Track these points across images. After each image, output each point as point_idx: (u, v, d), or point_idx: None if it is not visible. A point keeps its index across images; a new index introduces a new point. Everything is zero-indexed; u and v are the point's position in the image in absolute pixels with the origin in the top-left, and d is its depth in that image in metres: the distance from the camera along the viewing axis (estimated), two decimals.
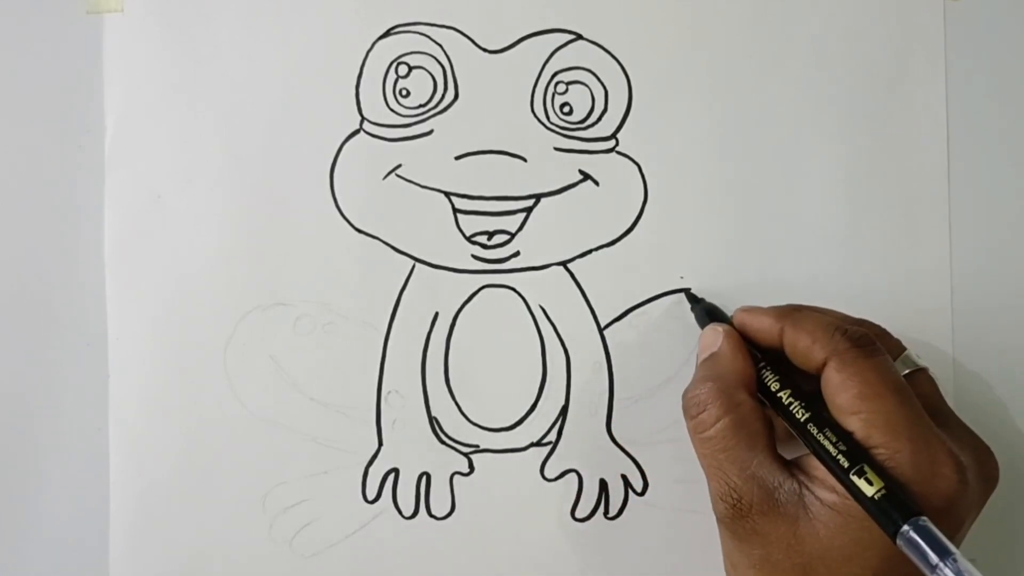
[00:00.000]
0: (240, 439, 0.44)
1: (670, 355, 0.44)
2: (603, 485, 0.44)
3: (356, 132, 0.44)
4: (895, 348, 0.40)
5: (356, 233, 0.44)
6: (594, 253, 0.44)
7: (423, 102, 0.44)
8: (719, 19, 0.45)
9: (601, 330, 0.44)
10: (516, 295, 0.44)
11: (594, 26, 0.44)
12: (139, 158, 0.44)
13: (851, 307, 0.44)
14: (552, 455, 0.44)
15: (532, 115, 0.44)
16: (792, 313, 0.39)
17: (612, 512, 0.44)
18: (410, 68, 0.44)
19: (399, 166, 0.44)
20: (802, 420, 0.36)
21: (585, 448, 0.44)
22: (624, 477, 0.44)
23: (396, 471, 0.44)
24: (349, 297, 0.44)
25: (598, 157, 0.44)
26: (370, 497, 0.44)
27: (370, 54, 0.44)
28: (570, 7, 0.44)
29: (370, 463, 0.44)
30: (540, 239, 0.44)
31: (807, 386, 0.38)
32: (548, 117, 0.44)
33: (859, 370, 0.36)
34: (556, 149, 0.44)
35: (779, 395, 0.38)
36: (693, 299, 0.43)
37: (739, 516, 0.36)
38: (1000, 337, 0.45)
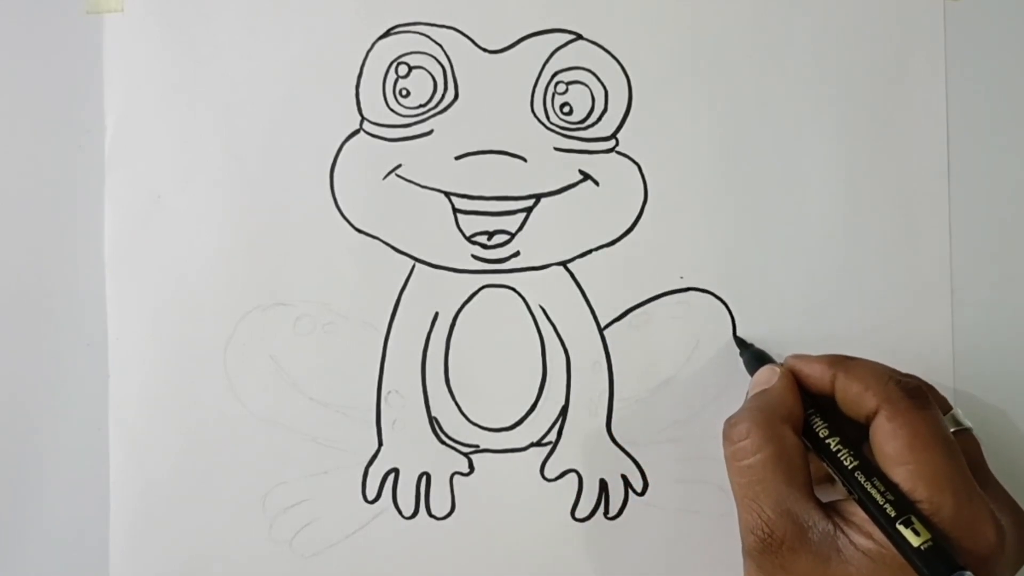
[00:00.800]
0: (240, 439, 0.44)
1: (670, 355, 0.44)
2: (603, 485, 0.44)
3: (356, 132, 0.44)
4: (943, 405, 0.40)
5: (356, 233, 0.44)
6: (594, 253, 0.44)
7: (423, 102, 0.44)
8: (719, 19, 0.45)
9: (601, 330, 0.44)
10: (516, 295, 0.44)
11: (594, 26, 0.44)
12: (139, 158, 0.44)
13: (851, 307, 0.44)
14: (552, 455, 0.44)
15: (532, 115, 0.44)
16: (845, 361, 0.39)
17: (612, 512, 0.44)
18: (410, 68, 0.44)
19: (399, 166, 0.44)
20: (850, 467, 0.36)
21: (585, 448, 0.44)
22: (624, 477, 0.44)
23: (396, 471, 0.44)
24: (349, 297, 0.44)
25: (598, 157, 0.44)
26: (370, 497, 0.44)
27: (370, 54, 0.44)
28: (570, 7, 0.44)
29: (370, 463, 0.44)
30: (540, 239, 0.44)
31: (852, 435, 0.38)
32: (548, 117, 0.44)
33: (910, 421, 0.35)
34: (556, 149, 0.44)
35: (827, 441, 0.37)
36: (742, 344, 0.43)
37: (768, 550, 0.36)
38: (1000, 337, 0.45)
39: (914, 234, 0.45)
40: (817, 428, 0.38)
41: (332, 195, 0.44)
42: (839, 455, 0.37)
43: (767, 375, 0.40)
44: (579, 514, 0.44)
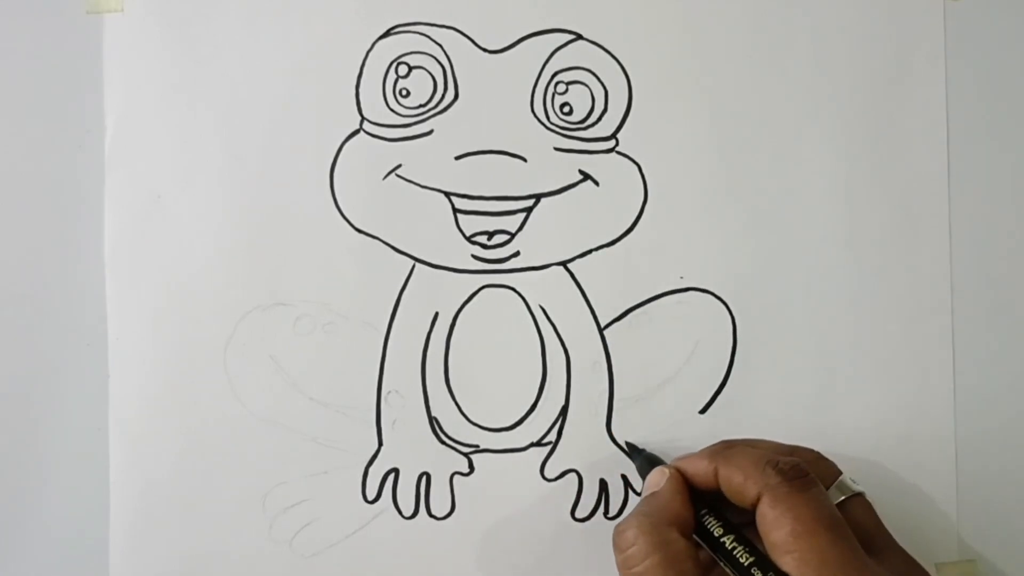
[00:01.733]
0: (240, 439, 0.44)
1: (670, 355, 0.44)
2: (603, 485, 0.44)
3: (356, 132, 0.44)
4: (830, 473, 0.40)
5: (356, 233, 0.44)
6: (594, 253, 0.44)
7: (423, 102, 0.44)
8: (719, 19, 0.45)
9: (601, 330, 0.44)
10: (516, 295, 0.44)
11: (594, 26, 0.44)
12: (139, 158, 0.44)
13: (851, 306, 0.44)
14: (552, 455, 0.44)
15: (532, 115, 0.44)
16: (724, 451, 0.39)
17: (612, 512, 0.44)
18: (410, 68, 0.44)
19: (399, 166, 0.44)
20: (746, 564, 0.36)
21: (585, 448, 0.44)
22: (624, 477, 0.44)
23: (396, 471, 0.44)
24: (349, 297, 0.44)
25: (598, 157, 0.44)
26: (370, 497, 0.44)
27: (370, 54, 0.44)
28: (570, 7, 0.44)
29: (370, 463, 0.44)
30: (540, 239, 0.44)
31: (745, 523, 0.37)
32: (548, 117, 0.44)
33: (792, 506, 0.35)
34: (556, 149, 0.44)
35: (722, 540, 0.37)
36: (633, 449, 0.43)
37: None
38: (1000, 337, 0.45)
39: (914, 234, 0.45)
40: (711, 527, 0.38)
41: (332, 195, 0.44)
42: (734, 552, 0.37)
43: (656, 478, 0.40)
44: (579, 514, 0.44)
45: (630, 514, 0.39)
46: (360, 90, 0.44)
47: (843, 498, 0.39)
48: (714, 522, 0.38)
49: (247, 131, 0.44)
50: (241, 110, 0.44)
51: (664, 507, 0.38)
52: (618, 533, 0.38)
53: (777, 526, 0.35)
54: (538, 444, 0.44)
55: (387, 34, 0.44)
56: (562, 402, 0.44)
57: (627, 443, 0.44)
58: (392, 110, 0.44)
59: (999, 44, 0.45)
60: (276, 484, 0.44)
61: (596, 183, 0.44)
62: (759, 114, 0.45)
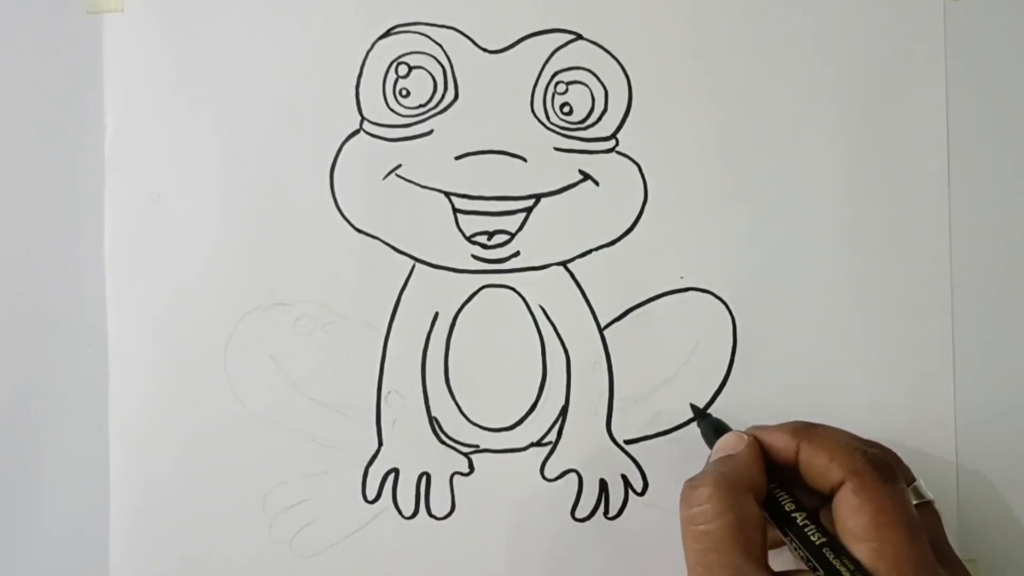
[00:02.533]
0: (240, 439, 0.44)
1: (670, 355, 0.44)
2: (603, 485, 0.44)
3: (356, 132, 0.44)
4: (907, 476, 0.39)
5: (356, 233, 0.44)
6: (594, 253, 0.44)
7: (423, 102, 0.44)
8: (719, 19, 0.45)
9: (601, 330, 0.44)
10: (516, 295, 0.44)
11: (594, 26, 0.44)
12: (139, 158, 0.44)
13: (851, 307, 0.44)
14: (552, 455, 0.44)
15: (532, 115, 0.44)
16: (809, 429, 0.38)
17: (612, 512, 0.44)
18: (410, 68, 0.44)
19: (399, 166, 0.44)
20: (818, 543, 0.35)
21: (585, 448, 0.44)
22: (624, 477, 0.44)
23: (396, 471, 0.44)
24: (349, 297, 0.44)
25: (598, 157, 0.44)
26: (370, 497, 0.44)
27: (370, 54, 0.44)
28: (570, 7, 0.44)
29: (370, 463, 0.44)
30: (540, 239, 0.44)
31: (811, 506, 0.37)
32: (548, 117, 0.44)
33: (876, 496, 0.35)
34: (556, 149, 0.44)
35: (794, 515, 0.36)
36: (699, 413, 0.43)
37: None
38: (1001, 337, 0.45)
39: (914, 234, 0.45)
40: (783, 501, 0.37)
41: (332, 195, 0.44)
42: (806, 530, 0.36)
43: (733, 441, 0.39)
44: (579, 514, 0.44)
45: (705, 471, 0.38)
46: (360, 90, 0.44)
47: (916, 503, 0.38)
48: (786, 497, 0.37)
49: (247, 131, 0.44)
50: (241, 110, 0.44)
51: (742, 471, 0.37)
52: (691, 487, 0.37)
53: (859, 513, 0.35)
54: (538, 444, 0.44)
55: (387, 34, 0.44)
56: (562, 402, 0.44)
57: (692, 405, 0.43)
58: (392, 110, 0.44)
59: (999, 44, 0.45)
60: (276, 484, 0.44)
61: (596, 183, 0.44)
62: (759, 114, 0.45)
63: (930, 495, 0.39)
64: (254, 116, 0.44)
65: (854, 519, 0.35)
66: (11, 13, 0.45)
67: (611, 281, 0.44)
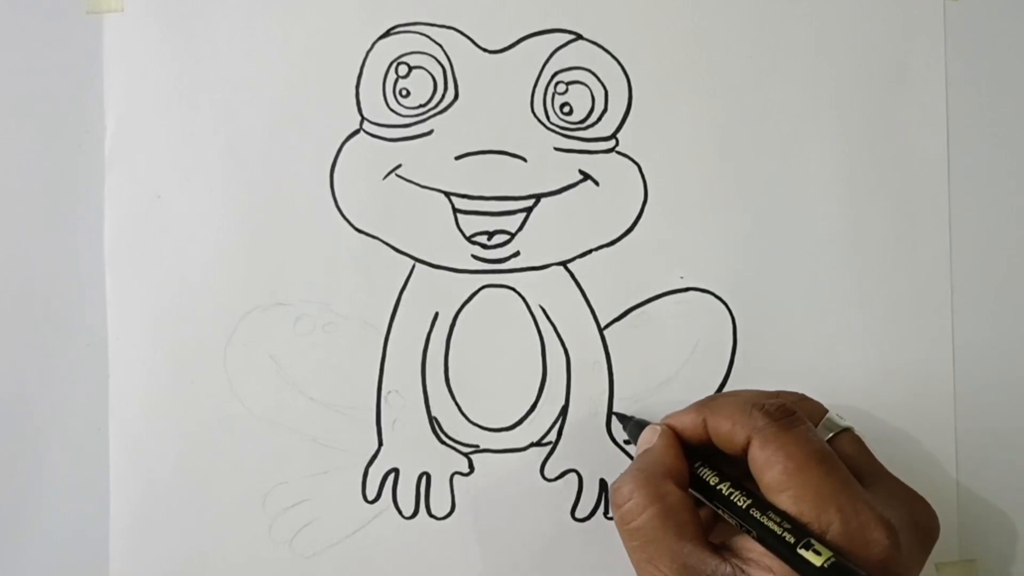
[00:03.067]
0: (240, 439, 0.44)
1: (670, 355, 0.44)
2: (603, 485, 0.44)
3: (356, 132, 0.44)
4: (816, 412, 0.40)
5: (356, 233, 0.44)
6: (594, 253, 0.44)
7: (423, 102, 0.44)
8: (719, 19, 0.45)
9: (601, 330, 0.44)
10: (516, 295, 0.44)
11: (594, 26, 0.44)
12: (139, 158, 0.44)
13: (851, 306, 0.44)
14: (552, 455, 0.44)
15: (532, 115, 0.44)
16: (709, 402, 0.39)
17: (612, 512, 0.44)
18: (410, 68, 0.44)
19: (399, 166, 0.44)
20: (744, 507, 0.36)
21: (585, 448, 0.44)
22: None
23: (396, 471, 0.44)
24: (349, 297, 0.44)
25: (598, 157, 0.44)
26: (370, 497, 0.44)
27: (370, 54, 0.44)
28: (570, 7, 0.44)
29: (370, 463, 0.44)
30: (540, 239, 0.44)
31: (739, 474, 0.37)
32: (548, 117, 0.44)
33: (781, 444, 0.35)
34: (556, 149, 0.44)
35: (719, 487, 0.37)
36: (623, 418, 0.43)
37: None
38: (1000, 336, 0.45)
39: (914, 234, 0.45)
40: (706, 477, 0.38)
41: (332, 195, 0.44)
42: (731, 497, 0.37)
43: (648, 436, 0.40)
44: (579, 514, 0.44)
45: (625, 471, 0.39)
46: (360, 90, 0.44)
47: (831, 435, 0.39)
48: (708, 472, 0.38)
49: (247, 131, 0.44)
50: (241, 110, 0.44)
51: (658, 460, 0.38)
52: (614, 490, 0.38)
53: (769, 466, 0.35)
54: (538, 444, 0.44)
55: (387, 34, 0.44)
56: (562, 402, 0.44)
57: (616, 412, 0.44)
58: (392, 110, 0.44)
59: (999, 44, 0.45)
60: (276, 484, 0.44)
61: (596, 183, 0.44)
62: (759, 114, 0.45)
63: (844, 423, 0.39)
64: (254, 116, 0.44)
65: (767, 473, 0.36)
66: (11, 13, 0.45)
67: (611, 281, 0.44)
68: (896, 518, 0.35)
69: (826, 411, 0.40)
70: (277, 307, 0.44)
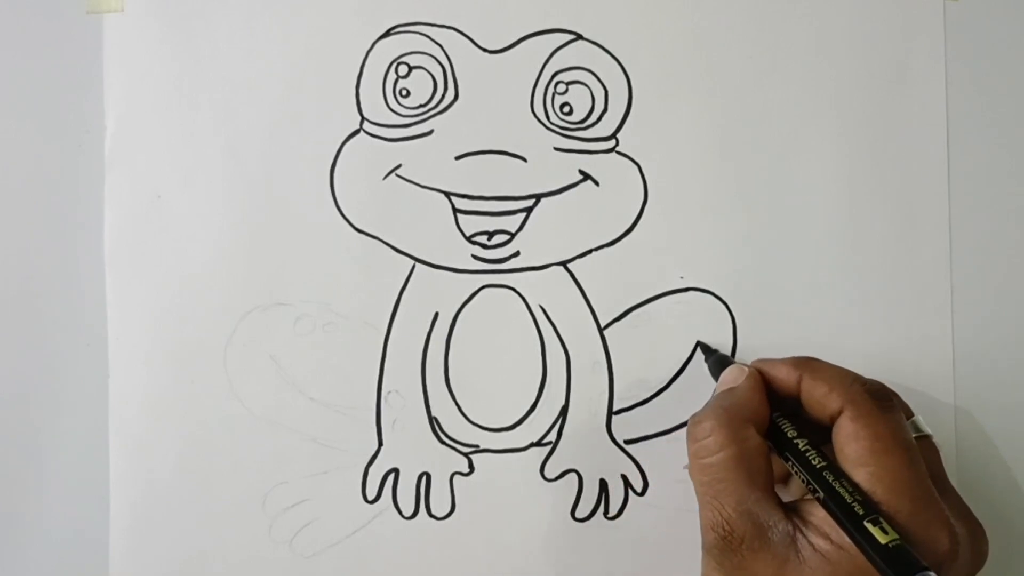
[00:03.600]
0: (240, 439, 0.44)
1: (670, 355, 0.44)
2: (603, 485, 0.44)
3: (356, 132, 0.44)
4: (906, 411, 0.40)
5: (356, 233, 0.44)
6: (594, 253, 0.44)
7: (423, 102, 0.44)
8: (719, 19, 0.45)
9: (601, 330, 0.44)
10: (516, 295, 0.44)
11: (594, 26, 0.44)
12: (139, 158, 0.44)
13: (851, 307, 0.44)
14: (552, 455, 0.44)
15: (532, 115, 0.44)
16: (811, 362, 0.39)
17: (612, 512, 0.44)
18: (410, 68, 0.44)
19: (399, 166, 0.44)
20: (818, 467, 0.36)
21: (585, 448, 0.44)
22: (624, 477, 0.44)
23: (396, 471, 0.44)
24: (349, 297, 0.44)
25: (598, 157, 0.44)
26: (370, 497, 0.44)
27: (370, 54, 0.44)
28: (570, 7, 0.44)
29: (370, 463, 0.44)
30: (540, 239, 0.44)
31: (816, 438, 0.37)
32: (548, 117, 0.44)
33: (873, 423, 0.36)
34: (556, 149, 0.44)
35: (796, 441, 0.37)
36: (707, 350, 0.43)
37: (728, 549, 0.36)
38: (1000, 336, 0.45)
39: (914, 234, 0.45)
40: (785, 428, 0.38)
41: (332, 195, 0.44)
42: (807, 455, 0.37)
43: (734, 374, 0.40)
44: (579, 514, 0.44)
45: (707, 406, 0.39)
46: (360, 90, 0.44)
47: (914, 435, 0.38)
48: (788, 424, 0.38)
49: (247, 131, 0.44)
50: (241, 110, 0.44)
51: (742, 403, 0.38)
52: (694, 423, 0.38)
53: (855, 439, 0.35)
54: (538, 444, 0.44)
55: (387, 34, 0.44)
56: (562, 402, 0.44)
57: (699, 343, 0.43)
58: (392, 110, 0.44)
59: (999, 44, 0.45)
60: (276, 484, 0.44)
61: (596, 183, 0.44)
62: (759, 114, 0.45)
63: (928, 430, 0.39)
64: (254, 116, 0.44)
65: (851, 445, 0.36)
66: (11, 13, 0.45)
67: (611, 281, 0.44)
68: (959, 530, 0.35)
69: (913, 414, 0.40)
70: (277, 307, 0.44)
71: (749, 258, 0.44)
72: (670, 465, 0.44)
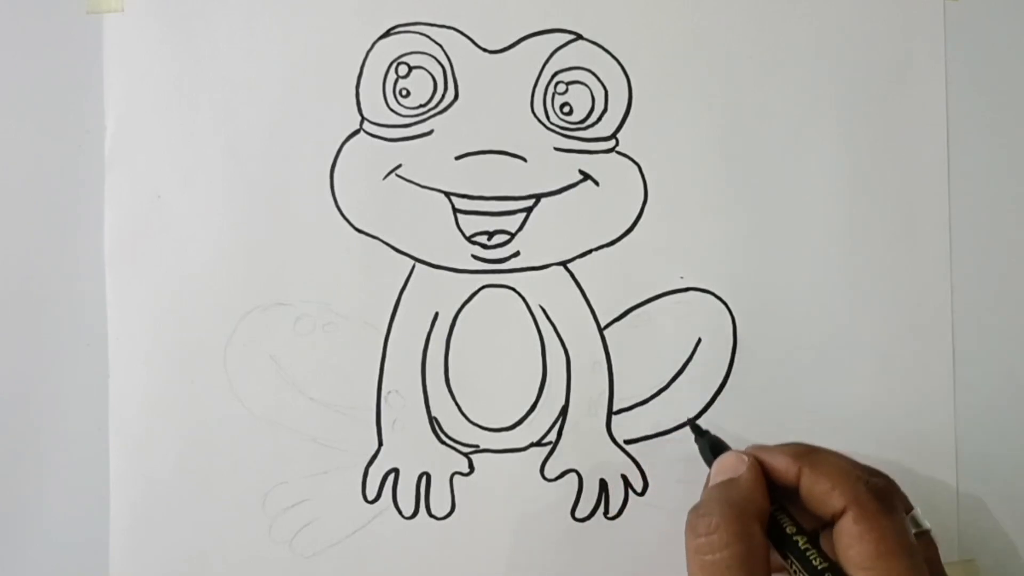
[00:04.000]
0: (240, 439, 0.44)
1: (670, 355, 0.44)
2: (603, 485, 0.44)
3: (356, 132, 0.44)
4: (905, 504, 0.39)
5: (356, 233, 0.44)
6: (594, 253, 0.44)
7: (423, 102, 0.44)
8: (719, 19, 0.45)
9: (601, 330, 0.44)
10: (516, 295, 0.44)
11: (594, 26, 0.44)
12: (139, 158, 0.44)
13: (851, 307, 0.44)
14: (552, 455, 0.44)
15: (532, 115, 0.44)
16: (811, 454, 0.38)
17: (612, 512, 0.44)
18: (410, 68, 0.44)
19: (399, 166, 0.44)
20: (820, 568, 0.35)
21: (585, 448, 0.44)
22: (624, 477, 0.44)
23: (396, 471, 0.44)
24: (349, 297, 0.44)
25: (598, 157, 0.44)
26: (370, 497, 0.44)
27: (370, 54, 0.44)
28: (570, 7, 0.44)
29: (370, 463, 0.44)
30: (540, 239, 0.44)
31: (810, 529, 0.37)
32: (548, 117, 0.44)
33: (878, 526, 0.35)
34: (556, 149, 0.44)
35: (796, 539, 0.37)
36: (697, 431, 0.42)
37: None
38: (1000, 336, 0.45)
39: (914, 234, 0.45)
40: (784, 524, 0.37)
41: (332, 195, 0.44)
42: (807, 554, 0.36)
43: (733, 463, 0.38)
44: (579, 514, 0.44)
45: (710, 498, 0.37)
46: (360, 90, 0.44)
47: (914, 532, 0.38)
48: (788, 520, 0.37)
49: (247, 131, 0.44)
50: (241, 110, 0.44)
51: (748, 498, 0.37)
52: (699, 516, 0.36)
53: (860, 541, 0.35)
54: (538, 444, 0.44)
55: (387, 34, 0.44)
56: (562, 402, 0.44)
57: (691, 423, 0.42)
58: (392, 110, 0.44)
59: (999, 44, 0.45)
60: (276, 484, 0.44)
61: (596, 183, 0.44)
62: (759, 114, 0.45)
63: (927, 524, 0.39)
64: (254, 116, 0.44)
65: (856, 548, 0.35)
66: (11, 13, 0.45)
67: (611, 281, 0.44)
68: None
69: (912, 508, 0.39)
70: (277, 307, 0.44)
71: (749, 258, 0.44)
72: (670, 465, 0.44)
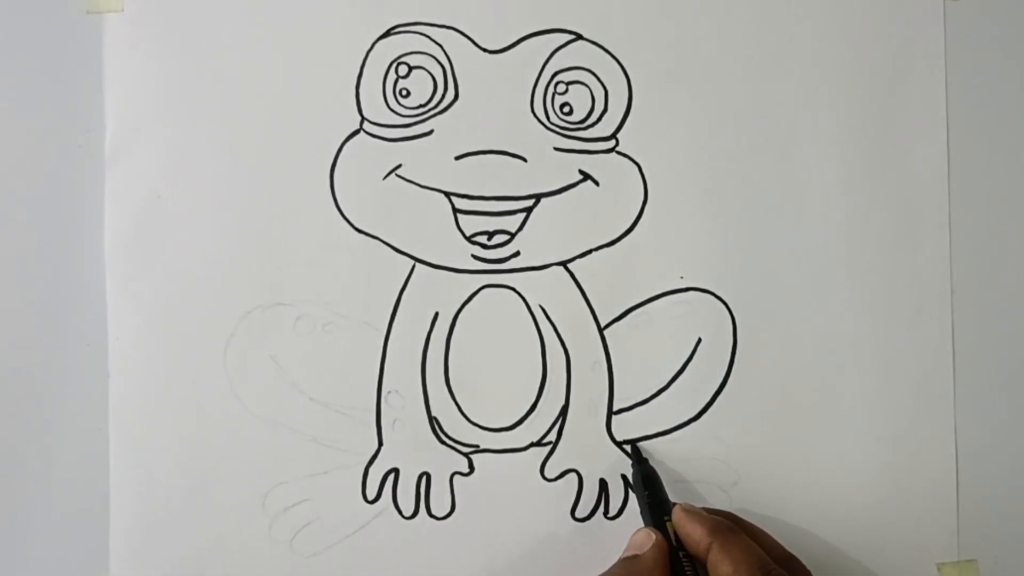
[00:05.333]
0: (240, 439, 0.44)
1: (670, 355, 0.44)
2: (603, 485, 0.44)
3: (356, 132, 0.44)
4: None
5: (356, 233, 0.44)
6: (594, 253, 0.44)
7: (423, 102, 0.44)
8: (719, 19, 0.45)
9: (601, 330, 0.44)
10: (516, 295, 0.44)
11: (594, 26, 0.44)
12: (139, 158, 0.44)
13: (851, 306, 0.44)
14: (552, 455, 0.44)
15: (532, 115, 0.44)
16: (725, 532, 0.39)
17: (612, 512, 0.44)
18: (410, 68, 0.44)
19: (399, 166, 0.44)
20: None
21: (585, 448, 0.44)
22: (624, 477, 0.44)
23: (396, 471, 0.44)
24: (349, 297, 0.44)
25: (598, 157, 0.44)
26: (370, 497, 0.44)
27: (370, 54, 0.44)
28: (570, 7, 0.44)
29: (370, 463, 0.44)
30: (540, 239, 0.44)
31: None
32: (548, 117, 0.44)
33: None
34: (556, 149, 0.44)
35: None
36: (638, 456, 0.43)
37: None
38: (1000, 337, 0.45)
39: (914, 234, 0.45)
40: None
41: (332, 195, 0.44)
42: None
43: (642, 540, 0.40)
44: (579, 514, 0.44)
45: (610, 570, 0.39)
46: (360, 90, 0.44)
47: None
48: None
49: (247, 131, 0.44)
50: (241, 110, 0.44)
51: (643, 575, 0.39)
52: None
53: None
54: (538, 444, 0.44)
55: (387, 34, 0.44)
56: (562, 402, 0.44)
57: (631, 447, 0.44)
58: (392, 110, 0.44)
59: (999, 44, 0.45)
60: (276, 484, 0.44)
61: (596, 183, 0.44)
62: (759, 114, 0.45)
63: None
64: (254, 116, 0.44)
65: None
66: (11, 13, 0.45)
67: (611, 281, 0.44)
68: None
69: None
70: (277, 307, 0.44)
71: (749, 258, 0.44)
72: (670, 465, 0.44)
